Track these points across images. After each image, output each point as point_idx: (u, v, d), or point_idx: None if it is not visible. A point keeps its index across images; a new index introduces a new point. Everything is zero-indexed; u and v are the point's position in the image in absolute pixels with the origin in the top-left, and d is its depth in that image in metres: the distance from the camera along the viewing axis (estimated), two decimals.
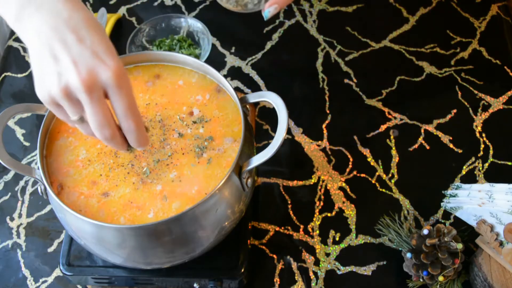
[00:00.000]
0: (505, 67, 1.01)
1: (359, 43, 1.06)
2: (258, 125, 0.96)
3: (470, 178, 0.89)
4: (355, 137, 0.94)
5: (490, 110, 0.96)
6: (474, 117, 0.95)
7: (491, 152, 0.91)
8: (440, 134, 0.94)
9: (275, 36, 1.07)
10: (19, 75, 1.04)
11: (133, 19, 1.11)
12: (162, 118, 0.71)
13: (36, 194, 0.90)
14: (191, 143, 0.69)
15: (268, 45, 1.06)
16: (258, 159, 0.63)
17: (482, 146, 0.92)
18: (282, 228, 0.85)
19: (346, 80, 1.01)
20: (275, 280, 0.81)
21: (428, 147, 0.92)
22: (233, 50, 1.06)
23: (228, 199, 0.65)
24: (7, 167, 0.64)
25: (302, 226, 0.85)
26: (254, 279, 0.80)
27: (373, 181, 0.89)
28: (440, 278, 0.74)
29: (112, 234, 0.62)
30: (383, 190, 0.88)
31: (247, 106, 0.71)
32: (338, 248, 0.83)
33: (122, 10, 1.13)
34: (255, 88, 1.01)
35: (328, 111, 0.97)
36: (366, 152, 0.92)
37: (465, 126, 0.95)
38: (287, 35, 1.07)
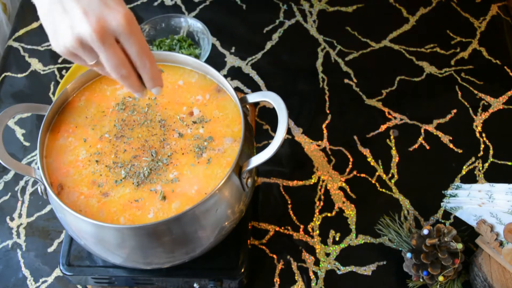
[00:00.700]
0: (505, 67, 1.01)
1: (359, 43, 1.06)
2: (258, 125, 0.96)
3: (470, 178, 0.89)
4: (355, 137, 0.94)
5: (490, 110, 0.96)
6: (474, 117, 0.95)
7: (491, 152, 0.91)
8: (440, 134, 0.94)
9: (275, 36, 1.07)
10: (19, 75, 1.04)
11: None
12: (162, 118, 0.71)
13: (36, 194, 0.90)
14: (191, 143, 0.69)
15: (268, 45, 1.06)
16: (258, 159, 0.63)
17: (482, 146, 0.92)
18: (282, 228, 0.85)
19: (346, 80, 1.01)
20: (275, 280, 0.81)
21: (428, 147, 0.92)
22: (233, 50, 1.06)
23: (228, 199, 0.65)
24: (7, 167, 0.65)
25: (302, 226, 0.85)
26: (254, 279, 0.80)
27: (373, 181, 0.89)
28: (440, 278, 0.74)
29: (112, 234, 0.62)
30: (383, 190, 0.88)
31: (247, 106, 0.71)
32: (338, 248, 0.83)
33: None
34: (255, 88, 1.00)
35: (328, 111, 0.97)
36: (366, 152, 0.92)
37: (465, 126, 0.95)
38: (287, 35, 1.07)
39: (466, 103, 0.97)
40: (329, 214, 0.86)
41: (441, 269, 0.74)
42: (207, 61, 0.75)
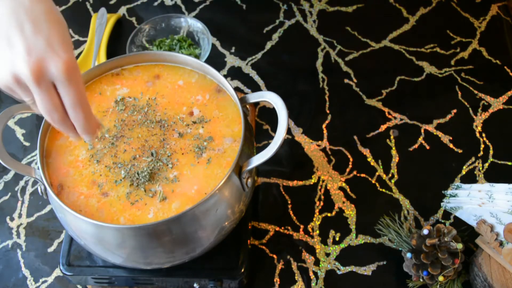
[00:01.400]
0: (505, 67, 1.01)
1: (359, 43, 1.06)
2: (258, 125, 0.96)
3: (470, 178, 0.89)
4: (355, 137, 0.94)
5: (490, 110, 0.96)
6: (474, 117, 0.95)
7: (491, 152, 0.91)
8: (440, 134, 0.94)
9: (275, 36, 1.07)
10: None
11: (133, 19, 1.11)
12: (162, 118, 0.71)
13: (36, 194, 0.90)
14: (191, 143, 0.69)
15: (268, 45, 1.06)
16: (258, 159, 0.63)
17: (482, 146, 0.92)
18: (282, 228, 0.85)
19: (346, 80, 1.01)
20: (275, 280, 0.81)
21: (428, 147, 0.92)
22: (233, 50, 1.06)
23: (228, 199, 0.65)
24: (7, 167, 0.65)
25: (302, 226, 0.85)
26: (254, 279, 0.80)
27: (373, 181, 0.89)
28: (440, 278, 0.74)
29: (112, 234, 0.62)
30: (383, 190, 0.88)
31: (247, 106, 0.71)
32: (338, 248, 0.83)
33: (122, 10, 1.13)
34: (255, 88, 1.00)
35: (328, 111, 0.97)
36: (366, 152, 0.92)
37: (465, 126, 0.95)
38: (287, 35, 1.07)
39: (466, 103, 0.97)
40: (329, 214, 0.86)
41: (441, 269, 0.74)
42: (207, 61, 0.75)
